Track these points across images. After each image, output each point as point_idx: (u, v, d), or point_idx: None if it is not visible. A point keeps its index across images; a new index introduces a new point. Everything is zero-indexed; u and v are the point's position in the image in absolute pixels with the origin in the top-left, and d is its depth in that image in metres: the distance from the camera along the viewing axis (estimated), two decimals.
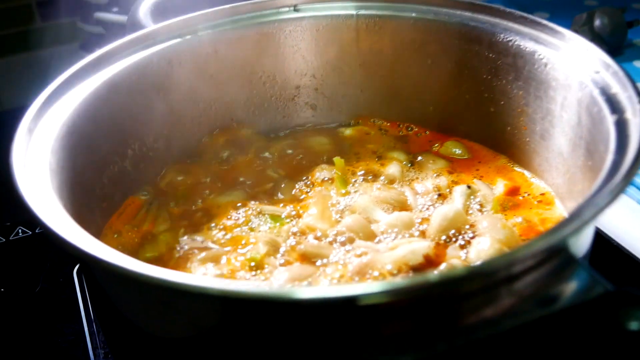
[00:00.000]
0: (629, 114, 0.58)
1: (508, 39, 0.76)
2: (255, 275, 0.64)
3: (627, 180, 0.50)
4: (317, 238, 0.68)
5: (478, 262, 0.61)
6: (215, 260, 0.66)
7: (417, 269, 0.62)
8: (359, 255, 0.64)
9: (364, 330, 0.44)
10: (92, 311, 0.79)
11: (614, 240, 0.83)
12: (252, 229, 0.71)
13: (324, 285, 0.61)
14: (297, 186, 0.78)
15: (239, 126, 0.89)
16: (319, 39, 0.87)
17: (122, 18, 1.16)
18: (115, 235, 0.73)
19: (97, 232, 0.71)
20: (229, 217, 0.73)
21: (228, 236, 0.70)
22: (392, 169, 0.80)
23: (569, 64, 0.69)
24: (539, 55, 0.73)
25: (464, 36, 0.80)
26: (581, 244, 0.53)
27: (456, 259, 0.64)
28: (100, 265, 0.47)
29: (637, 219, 0.87)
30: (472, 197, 0.74)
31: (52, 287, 0.86)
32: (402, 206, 0.73)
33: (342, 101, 0.92)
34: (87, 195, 0.69)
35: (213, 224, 0.72)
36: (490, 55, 0.78)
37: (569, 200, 0.71)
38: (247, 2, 0.85)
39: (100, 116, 0.72)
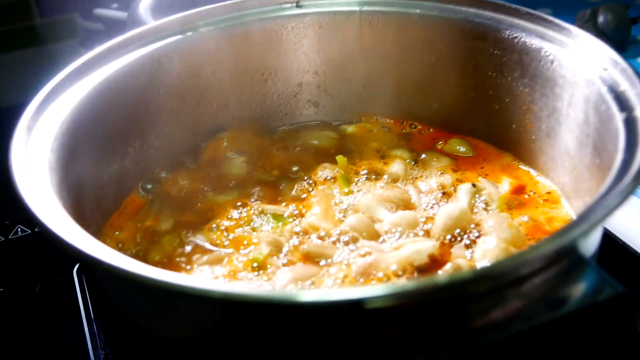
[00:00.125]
0: (638, 112, 0.57)
1: (514, 36, 0.75)
2: (257, 275, 0.63)
3: (638, 180, 0.49)
4: (320, 238, 0.68)
5: (486, 264, 0.61)
6: (218, 260, 0.65)
7: (422, 269, 0.61)
8: (363, 255, 0.64)
9: (370, 334, 0.44)
10: (92, 311, 0.78)
11: (619, 239, 0.82)
12: (254, 229, 0.70)
13: (328, 286, 0.60)
14: (299, 185, 0.78)
15: (241, 124, 0.88)
16: (322, 36, 0.87)
17: (122, 14, 1.16)
18: (117, 233, 0.72)
19: (97, 231, 0.70)
20: (230, 216, 0.73)
21: (230, 236, 0.70)
22: (396, 167, 0.79)
23: (576, 61, 0.68)
24: (545, 52, 0.72)
25: (469, 33, 0.79)
26: (590, 244, 0.53)
27: (462, 259, 0.63)
28: (102, 267, 0.46)
29: None
30: (477, 195, 0.73)
31: (51, 287, 0.85)
32: (406, 205, 0.72)
33: (344, 98, 0.91)
34: (87, 194, 0.68)
35: (215, 224, 0.72)
36: (496, 52, 0.77)
37: (576, 199, 0.70)
38: None
39: (101, 114, 0.71)
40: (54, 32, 1.42)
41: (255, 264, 0.64)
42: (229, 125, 0.87)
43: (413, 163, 0.81)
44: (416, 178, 0.78)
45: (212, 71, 0.84)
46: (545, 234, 0.68)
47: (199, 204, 0.76)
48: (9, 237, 0.94)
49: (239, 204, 0.74)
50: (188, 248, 0.69)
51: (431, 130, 0.88)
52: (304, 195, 0.76)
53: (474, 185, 0.74)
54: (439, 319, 0.43)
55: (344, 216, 0.71)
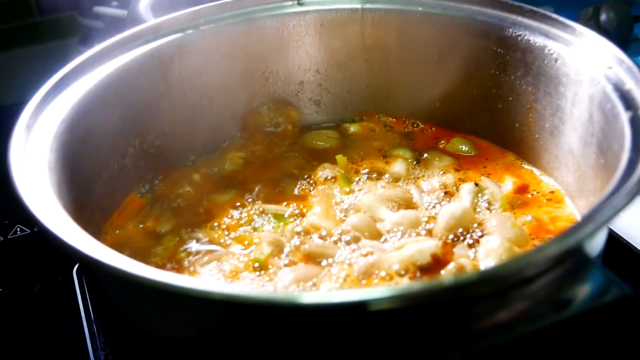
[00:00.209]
0: None
1: (517, 34, 0.74)
2: (259, 276, 0.63)
3: None
4: (321, 237, 0.67)
5: (490, 264, 0.60)
6: (219, 261, 0.65)
7: (424, 268, 0.61)
8: (365, 255, 0.63)
9: (374, 336, 0.43)
10: (92, 312, 0.78)
11: (622, 238, 0.82)
12: (255, 229, 0.70)
13: (330, 287, 0.60)
14: (299, 185, 0.77)
15: (241, 123, 0.87)
16: (323, 34, 0.86)
17: (122, 12, 1.15)
18: (117, 232, 0.72)
19: (97, 231, 0.70)
20: (231, 216, 0.72)
21: (231, 236, 0.69)
22: (398, 166, 0.79)
23: (580, 59, 0.68)
24: (549, 50, 0.71)
25: (472, 31, 0.79)
26: (596, 244, 0.52)
27: (465, 259, 0.63)
28: (101, 268, 0.45)
29: None
30: (479, 194, 0.73)
31: (51, 287, 0.85)
32: (408, 204, 0.72)
33: (346, 97, 0.90)
34: (86, 193, 0.68)
35: (216, 224, 0.71)
36: (499, 50, 0.77)
37: (580, 198, 0.70)
38: None
39: (101, 113, 0.71)
40: (53, 30, 1.41)
41: (256, 264, 0.64)
42: (230, 123, 0.87)
43: (415, 162, 0.81)
44: (418, 177, 0.78)
45: (213, 69, 0.83)
46: (549, 233, 0.68)
47: (200, 204, 0.75)
48: (8, 237, 0.93)
49: (239, 203, 0.74)
50: (189, 248, 0.68)
51: (433, 129, 0.87)
52: (305, 195, 0.75)
53: (476, 184, 0.74)
54: (443, 321, 0.43)
55: (345, 216, 0.70)
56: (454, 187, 0.75)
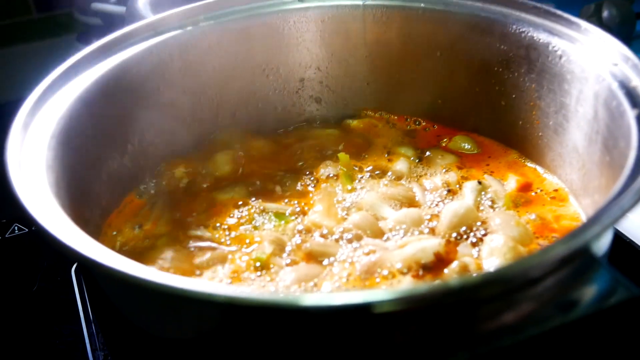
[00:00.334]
0: None
1: (521, 30, 0.74)
2: (260, 276, 0.62)
3: None
4: (323, 236, 0.67)
5: (494, 262, 0.60)
6: (220, 260, 0.64)
7: (427, 267, 0.60)
8: (367, 254, 0.63)
9: (378, 339, 0.43)
10: (91, 312, 0.78)
11: (626, 237, 0.81)
12: (256, 227, 0.69)
13: (331, 286, 0.59)
14: (300, 183, 0.77)
15: (242, 120, 0.86)
16: (325, 30, 0.86)
17: (120, 9, 1.14)
18: (114, 233, 0.71)
19: (96, 231, 0.69)
20: (231, 215, 0.72)
21: (232, 235, 0.69)
22: (400, 165, 0.78)
23: (585, 56, 0.67)
24: (554, 47, 0.71)
25: (475, 27, 0.78)
26: (602, 245, 0.51)
27: (468, 257, 0.62)
28: (101, 270, 0.45)
29: None
30: (483, 193, 0.73)
31: (49, 287, 0.85)
32: (411, 202, 0.72)
33: (347, 94, 0.90)
34: (85, 192, 0.67)
35: (218, 224, 0.70)
36: (502, 47, 0.76)
37: (584, 196, 0.69)
38: None
39: (99, 110, 0.70)
40: (50, 27, 1.41)
41: (258, 264, 0.63)
42: (230, 121, 0.86)
43: (417, 161, 0.80)
44: (421, 176, 0.77)
45: (213, 67, 0.83)
46: (553, 232, 0.67)
47: (200, 203, 0.75)
48: (6, 236, 0.93)
49: (240, 202, 0.73)
50: (189, 248, 0.67)
51: (435, 127, 0.87)
52: (306, 193, 0.75)
53: (479, 182, 0.73)
54: (449, 323, 0.42)
55: (347, 214, 0.70)
56: (457, 185, 0.74)
